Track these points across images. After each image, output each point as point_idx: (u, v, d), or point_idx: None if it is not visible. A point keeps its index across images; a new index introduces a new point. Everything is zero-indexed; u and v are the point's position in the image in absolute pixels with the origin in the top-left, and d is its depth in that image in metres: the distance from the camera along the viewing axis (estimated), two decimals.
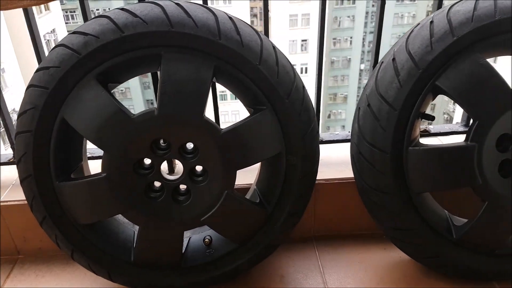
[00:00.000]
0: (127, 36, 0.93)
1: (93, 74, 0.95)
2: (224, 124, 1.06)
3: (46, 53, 1.07)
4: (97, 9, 21.84)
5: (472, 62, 0.97)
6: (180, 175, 1.05)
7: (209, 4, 1.08)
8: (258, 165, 1.21)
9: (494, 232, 1.10)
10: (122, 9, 0.95)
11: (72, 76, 0.95)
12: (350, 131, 1.17)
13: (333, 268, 1.29)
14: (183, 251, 1.15)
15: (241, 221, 1.12)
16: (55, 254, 1.37)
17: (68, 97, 0.96)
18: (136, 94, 24.48)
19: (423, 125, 1.50)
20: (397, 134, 1.01)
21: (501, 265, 1.14)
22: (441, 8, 1.05)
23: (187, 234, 1.19)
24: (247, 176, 1.28)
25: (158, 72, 0.97)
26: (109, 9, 1.00)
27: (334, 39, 26.21)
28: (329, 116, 27.69)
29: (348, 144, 1.15)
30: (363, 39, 26.23)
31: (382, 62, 1.05)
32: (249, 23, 1.28)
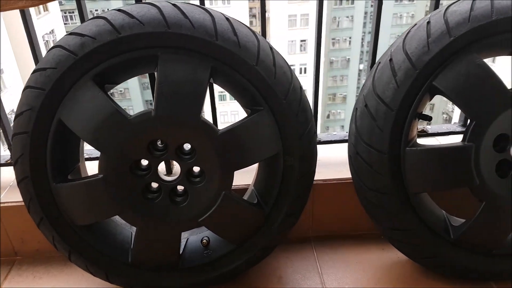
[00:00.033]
0: (123, 37, 0.93)
1: (90, 75, 0.95)
2: (223, 125, 1.05)
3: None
4: (96, 10, 21.85)
5: (469, 62, 0.97)
6: (177, 176, 1.05)
7: (208, 4, 1.08)
8: (256, 165, 1.21)
9: (492, 232, 1.10)
10: (119, 10, 0.95)
11: (68, 77, 0.95)
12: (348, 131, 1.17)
13: (331, 268, 1.29)
14: (180, 252, 1.15)
15: (239, 222, 1.12)
16: (52, 255, 1.37)
17: (65, 98, 0.96)
18: (135, 95, 24.48)
19: (421, 125, 1.50)
20: (394, 134, 1.01)
21: (498, 265, 1.14)
22: (438, 9, 1.05)
23: (184, 235, 1.19)
24: (245, 177, 1.28)
25: (155, 73, 0.96)
26: (108, 9, 0.99)
27: (333, 39, 26.23)
28: (328, 116, 27.71)
29: (346, 144, 1.15)
30: (362, 39, 26.25)
31: (379, 62, 1.05)
32: (248, 23, 1.28)
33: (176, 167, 1.38)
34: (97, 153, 1.39)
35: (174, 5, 0.96)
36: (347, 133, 1.17)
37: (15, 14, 1.20)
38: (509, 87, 1.01)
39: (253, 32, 1.01)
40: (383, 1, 1.28)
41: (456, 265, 1.14)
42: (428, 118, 1.07)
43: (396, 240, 1.15)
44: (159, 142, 1.03)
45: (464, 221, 1.12)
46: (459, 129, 1.46)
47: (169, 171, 1.39)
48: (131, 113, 0.97)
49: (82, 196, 1.04)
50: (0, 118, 1.36)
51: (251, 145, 1.04)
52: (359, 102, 1.08)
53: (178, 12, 0.95)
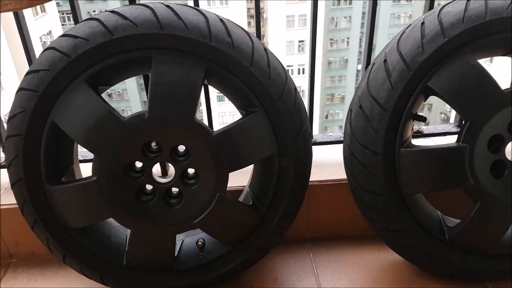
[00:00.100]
0: (117, 39, 0.92)
1: (83, 77, 0.95)
2: (222, 126, 1.05)
3: None
4: (94, 11, 21.83)
5: (463, 63, 0.97)
6: (172, 178, 1.05)
7: (206, 4, 1.08)
8: (251, 167, 1.21)
9: (487, 233, 1.10)
10: (112, 11, 0.95)
11: (62, 79, 0.94)
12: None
13: (327, 269, 1.29)
14: (175, 254, 1.14)
15: (234, 224, 1.11)
16: (48, 258, 1.36)
17: (58, 100, 0.96)
18: (133, 96, 24.45)
19: (417, 125, 1.50)
20: (389, 135, 1.01)
21: (494, 265, 1.14)
22: (432, 9, 1.05)
23: (180, 237, 1.19)
24: (241, 178, 1.27)
25: (149, 75, 0.96)
26: (105, 10, 0.99)
27: (331, 39, 26.24)
28: (326, 117, 27.72)
29: (342, 145, 1.15)
30: (360, 39, 26.27)
31: (374, 63, 1.05)
32: (246, 23, 1.28)
33: (172, 169, 1.37)
34: (92, 155, 1.39)
35: (167, 6, 0.95)
36: (343, 134, 1.17)
37: (13, 15, 1.20)
38: (506, 87, 1.01)
39: (247, 33, 1.01)
40: (381, 1, 1.28)
41: (451, 265, 1.14)
42: (423, 119, 1.07)
43: (391, 241, 1.15)
44: (153, 144, 1.03)
45: (459, 222, 1.12)
46: (454, 129, 1.46)
47: (164, 173, 1.38)
48: (129, 114, 0.97)
49: (76, 198, 1.03)
50: None
51: (246, 146, 1.03)
52: (354, 103, 1.08)
53: (172, 14, 0.94)
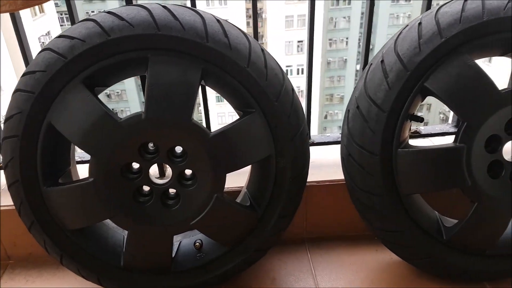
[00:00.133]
0: (113, 40, 0.92)
1: (80, 78, 0.94)
2: (221, 126, 1.05)
3: None
4: (92, 11, 21.81)
5: (460, 63, 0.97)
6: (169, 179, 1.04)
7: (205, 4, 1.08)
8: (249, 167, 1.20)
9: (484, 233, 1.10)
10: (109, 12, 0.95)
11: (58, 80, 0.94)
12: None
13: (325, 270, 1.29)
14: (173, 255, 1.14)
15: (231, 225, 1.11)
16: (45, 259, 1.36)
17: (55, 101, 0.96)
18: (132, 96, 24.43)
19: (415, 126, 1.50)
20: (386, 136, 1.01)
21: (491, 265, 1.14)
22: (429, 10, 1.05)
23: (177, 238, 1.19)
24: (238, 179, 1.27)
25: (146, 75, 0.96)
26: (102, 11, 0.99)
27: (330, 39, 26.24)
28: (325, 117, 27.72)
29: (339, 145, 1.14)
30: (359, 39, 26.25)
31: (371, 64, 1.05)
32: (245, 24, 1.28)
33: (169, 170, 1.37)
34: (89, 156, 1.38)
35: (164, 7, 0.95)
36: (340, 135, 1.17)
37: (9, 16, 1.20)
38: (503, 87, 1.01)
39: (244, 34, 1.01)
40: (380, 1, 1.28)
41: (449, 266, 1.14)
42: (420, 120, 1.07)
43: (389, 242, 1.15)
44: (150, 145, 1.03)
45: (457, 222, 1.12)
46: (452, 129, 1.47)
47: (162, 174, 1.38)
48: (128, 115, 0.96)
49: (73, 200, 1.03)
50: None
51: (243, 147, 1.03)
52: (351, 103, 1.08)
53: (168, 14, 0.94)
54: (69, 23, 1.19)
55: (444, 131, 1.46)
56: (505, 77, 1.44)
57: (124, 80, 1.12)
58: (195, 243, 1.16)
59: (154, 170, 1.38)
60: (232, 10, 22.45)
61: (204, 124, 1.27)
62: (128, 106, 24.06)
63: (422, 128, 1.49)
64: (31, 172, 1.01)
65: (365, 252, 1.34)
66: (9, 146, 0.99)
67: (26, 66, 1.15)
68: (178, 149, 1.04)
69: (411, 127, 1.47)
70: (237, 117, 1.07)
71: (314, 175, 1.33)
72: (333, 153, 1.45)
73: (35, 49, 1.09)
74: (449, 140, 1.05)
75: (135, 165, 1.05)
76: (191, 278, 1.15)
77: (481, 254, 1.13)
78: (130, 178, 1.03)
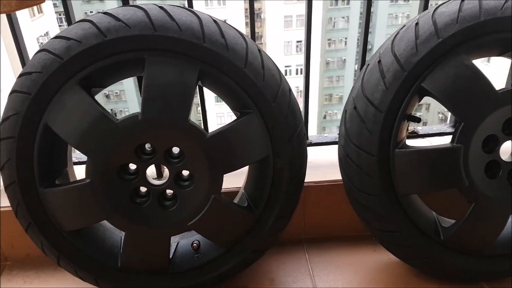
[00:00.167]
0: (109, 40, 0.92)
1: (76, 79, 0.94)
2: (220, 126, 1.05)
3: None
4: (91, 11, 21.78)
5: (457, 63, 0.97)
6: (166, 180, 1.04)
7: (203, 4, 1.08)
8: (246, 168, 1.20)
9: (482, 233, 1.10)
10: (105, 13, 0.95)
11: (54, 81, 0.94)
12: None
13: (323, 270, 1.29)
14: (170, 256, 1.14)
15: (229, 226, 1.11)
16: (43, 260, 1.35)
17: (51, 102, 0.95)
18: (131, 97, 24.41)
19: (414, 126, 1.50)
20: (383, 136, 1.01)
21: (489, 266, 1.14)
22: (426, 10, 1.04)
23: (175, 239, 1.19)
24: (236, 180, 1.27)
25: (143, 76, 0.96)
26: (98, 11, 0.99)
27: (329, 40, 26.25)
28: (324, 117, 27.73)
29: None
30: (358, 40, 26.24)
31: (368, 64, 1.05)
32: (243, 24, 1.28)
33: (167, 170, 1.37)
34: (86, 157, 1.38)
35: (160, 7, 0.95)
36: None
37: (6, 17, 1.19)
38: (500, 87, 1.01)
39: (241, 34, 1.01)
40: (379, 1, 1.28)
41: (447, 266, 1.13)
42: (417, 120, 1.07)
43: (387, 242, 1.15)
44: (147, 146, 1.03)
45: (454, 222, 1.12)
46: (449, 130, 1.46)
47: (159, 174, 1.38)
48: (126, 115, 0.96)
49: (69, 201, 1.03)
50: None
51: (240, 148, 1.03)
52: (348, 104, 1.08)
53: (165, 15, 0.94)
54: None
55: (441, 131, 1.46)
56: (503, 77, 1.44)
57: (123, 81, 1.12)
58: (192, 244, 1.16)
59: (151, 171, 1.38)
60: (231, 10, 22.45)
61: (202, 125, 1.26)
62: (127, 106, 24.04)
63: (420, 128, 1.49)
64: (28, 173, 1.01)
65: (363, 252, 1.34)
66: (5, 148, 0.99)
67: (22, 67, 1.15)
68: (175, 150, 1.04)
69: (409, 127, 1.47)
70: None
71: (312, 176, 1.32)
72: (331, 154, 1.45)
73: (34, 50, 1.09)
74: (446, 140, 1.04)
75: (132, 166, 1.04)
76: (189, 279, 1.15)
77: (479, 254, 1.13)
78: (127, 179, 1.02)
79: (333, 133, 1.52)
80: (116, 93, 24.05)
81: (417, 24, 0.99)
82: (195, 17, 0.96)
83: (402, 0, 25.22)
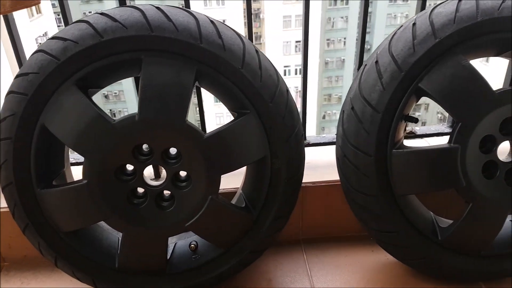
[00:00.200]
0: (106, 41, 0.92)
1: (73, 79, 0.94)
2: (218, 126, 1.05)
3: None
4: (90, 12, 21.77)
5: (454, 63, 0.97)
6: (163, 180, 1.04)
7: (202, 4, 1.08)
8: (244, 169, 1.20)
9: (479, 234, 1.10)
10: (102, 13, 0.94)
11: (51, 82, 0.94)
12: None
13: (321, 271, 1.29)
14: (168, 257, 1.14)
15: (227, 226, 1.11)
16: (40, 261, 1.35)
17: (48, 103, 0.95)
18: (130, 97, 24.38)
19: (410, 126, 1.50)
20: (381, 136, 1.01)
21: (487, 266, 1.14)
22: (424, 10, 1.04)
23: (173, 240, 1.18)
24: (234, 180, 1.27)
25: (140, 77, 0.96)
26: (94, 12, 0.99)
27: (327, 40, 26.24)
28: (323, 117, 27.73)
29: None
30: (357, 39, 26.25)
31: (366, 64, 1.05)
32: (242, 24, 1.28)
33: (164, 171, 1.37)
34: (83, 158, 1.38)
35: (157, 8, 0.95)
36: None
37: (2, 17, 1.19)
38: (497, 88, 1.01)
39: (238, 35, 1.01)
40: (378, 1, 1.28)
41: (444, 266, 1.14)
42: (414, 120, 1.07)
43: (384, 242, 1.15)
44: (144, 147, 1.03)
45: (452, 223, 1.12)
46: (447, 130, 1.46)
47: (157, 175, 1.38)
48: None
49: (67, 202, 1.03)
50: None
51: (238, 148, 1.03)
52: (346, 104, 1.07)
53: (162, 15, 0.94)
54: None
55: (439, 132, 1.46)
56: (503, 77, 1.44)
57: (122, 81, 1.12)
58: (190, 244, 1.16)
59: (149, 171, 1.38)
60: (230, 11, 22.44)
61: (200, 126, 1.26)
62: (126, 107, 24.02)
63: (418, 129, 1.49)
64: (25, 174, 1.00)
65: (361, 252, 1.34)
66: (2, 149, 0.99)
67: (20, 68, 1.15)
68: (173, 150, 1.04)
69: (407, 128, 1.47)
70: None
71: (309, 176, 1.32)
72: (329, 154, 1.45)
73: (33, 50, 1.09)
74: (444, 140, 1.04)
75: (129, 167, 1.04)
76: (186, 279, 1.15)
77: (476, 254, 1.13)
78: (124, 180, 1.02)
79: (331, 134, 1.52)
80: (115, 93, 24.02)
81: (414, 24, 0.99)
82: (192, 18, 0.96)
83: (401, 0, 25.26)
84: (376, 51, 1.03)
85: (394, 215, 1.07)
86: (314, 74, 23.67)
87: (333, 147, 1.19)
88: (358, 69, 1.25)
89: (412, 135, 1.47)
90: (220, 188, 1.04)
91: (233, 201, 1.19)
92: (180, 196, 1.04)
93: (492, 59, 1.26)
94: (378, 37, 23.56)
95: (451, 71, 0.97)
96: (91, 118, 0.94)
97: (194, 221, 1.05)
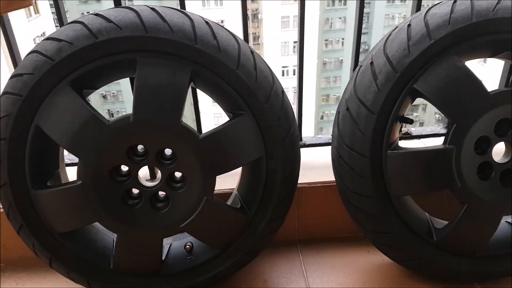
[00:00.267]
0: (101, 42, 0.92)
1: (67, 80, 0.94)
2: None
3: None
4: (88, 12, 21.71)
5: (449, 65, 0.97)
6: (158, 181, 1.04)
7: (201, 5, 1.08)
8: (239, 169, 1.20)
9: (474, 235, 1.10)
10: (96, 14, 0.94)
11: (45, 83, 0.93)
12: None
13: (317, 271, 1.29)
14: (163, 258, 1.14)
15: (222, 227, 1.11)
16: (35, 262, 1.34)
17: (42, 104, 0.95)
18: (128, 97, 24.32)
19: (405, 127, 1.50)
20: (376, 137, 1.01)
21: (482, 267, 1.14)
22: (419, 11, 1.05)
23: (168, 241, 1.18)
24: (229, 181, 1.27)
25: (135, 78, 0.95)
26: (89, 13, 0.98)
27: (325, 40, 26.28)
28: (322, 117, 27.75)
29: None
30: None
31: (361, 66, 1.05)
32: (241, 24, 1.28)
33: (160, 172, 1.37)
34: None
35: (152, 9, 0.95)
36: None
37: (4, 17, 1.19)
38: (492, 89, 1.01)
39: (234, 36, 1.01)
40: (376, 2, 1.28)
41: (440, 267, 1.14)
42: (409, 121, 1.07)
43: (380, 243, 1.15)
44: (139, 148, 1.02)
45: (447, 223, 1.12)
46: (443, 131, 1.47)
47: (152, 176, 1.38)
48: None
49: (61, 202, 1.02)
50: None
51: (233, 149, 1.03)
52: (341, 105, 1.08)
53: (157, 16, 0.94)
54: None
55: (435, 133, 1.47)
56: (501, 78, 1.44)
57: (120, 81, 1.12)
58: (185, 245, 1.16)
59: (145, 172, 1.38)
60: (228, 11, 22.44)
61: (196, 126, 1.26)
62: (124, 107, 23.97)
63: (413, 130, 1.49)
64: (20, 175, 1.00)
65: (356, 253, 1.34)
66: None
67: (15, 68, 1.15)
68: (168, 151, 1.04)
69: (402, 129, 1.47)
70: None
71: (305, 177, 1.33)
72: (325, 155, 1.45)
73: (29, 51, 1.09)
74: (440, 141, 1.05)
75: (124, 168, 1.04)
76: (181, 281, 1.14)
77: (472, 255, 1.13)
78: (118, 181, 1.02)
79: (327, 135, 1.52)
80: (113, 93, 23.97)
81: (409, 25, 0.99)
82: (187, 19, 0.96)
83: (399, 0, 25.31)
84: (371, 52, 1.04)
85: (390, 216, 1.07)
86: (312, 74, 23.67)
87: (329, 148, 1.19)
88: (353, 70, 1.25)
89: (408, 136, 1.47)
90: (215, 189, 1.04)
91: (229, 202, 1.19)
92: (175, 197, 1.04)
93: (490, 60, 1.26)
94: (376, 38, 23.58)
95: (446, 72, 0.97)
96: (86, 118, 0.94)
97: (189, 222, 1.05)
